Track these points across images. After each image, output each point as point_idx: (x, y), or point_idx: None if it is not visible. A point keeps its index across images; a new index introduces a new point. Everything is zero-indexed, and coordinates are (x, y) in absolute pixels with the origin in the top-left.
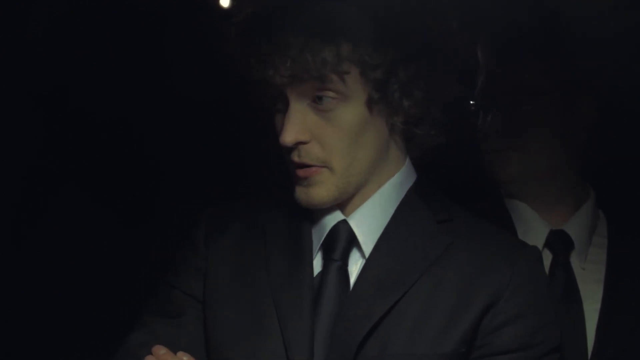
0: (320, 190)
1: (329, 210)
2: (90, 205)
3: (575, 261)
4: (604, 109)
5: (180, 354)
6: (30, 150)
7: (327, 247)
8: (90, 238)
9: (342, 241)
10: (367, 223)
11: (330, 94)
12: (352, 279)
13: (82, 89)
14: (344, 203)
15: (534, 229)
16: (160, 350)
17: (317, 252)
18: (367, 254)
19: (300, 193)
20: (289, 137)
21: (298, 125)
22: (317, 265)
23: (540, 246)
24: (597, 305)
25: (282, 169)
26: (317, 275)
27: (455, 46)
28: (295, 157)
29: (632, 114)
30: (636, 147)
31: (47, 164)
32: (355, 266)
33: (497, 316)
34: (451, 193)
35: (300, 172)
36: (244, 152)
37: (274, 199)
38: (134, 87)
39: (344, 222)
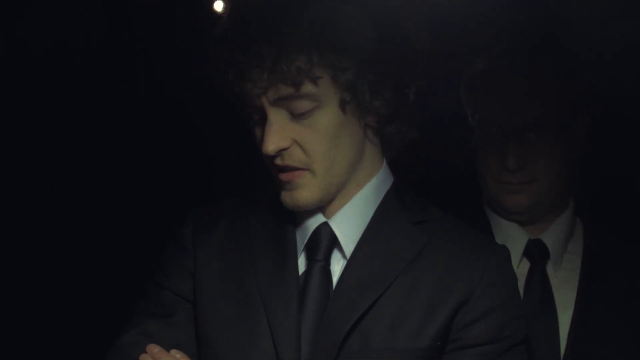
0: (304, 192)
1: (311, 212)
2: (85, 206)
3: (550, 269)
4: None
5: (173, 351)
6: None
7: (310, 248)
8: (86, 238)
9: (324, 242)
10: (348, 225)
11: (306, 102)
12: (335, 278)
13: (75, 90)
14: (325, 205)
15: (512, 238)
16: (154, 349)
17: (301, 253)
18: (348, 255)
19: (286, 196)
20: (271, 146)
21: (278, 133)
22: (301, 265)
23: (518, 255)
24: (571, 313)
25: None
26: (301, 275)
27: (420, 46)
28: (278, 161)
29: (616, 123)
30: (616, 155)
31: (37, 165)
32: (337, 266)
33: (468, 313)
34: (433, 199)
35: (284, 177)
36: (236, 152)
37: (259, 200)
38: (127, 88)
39: (326, 225)
